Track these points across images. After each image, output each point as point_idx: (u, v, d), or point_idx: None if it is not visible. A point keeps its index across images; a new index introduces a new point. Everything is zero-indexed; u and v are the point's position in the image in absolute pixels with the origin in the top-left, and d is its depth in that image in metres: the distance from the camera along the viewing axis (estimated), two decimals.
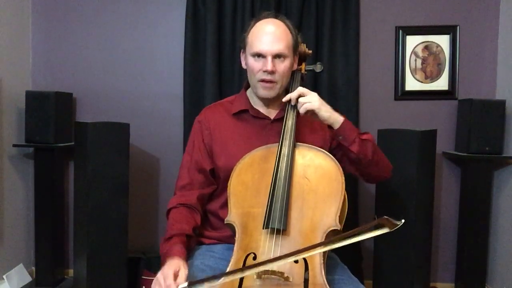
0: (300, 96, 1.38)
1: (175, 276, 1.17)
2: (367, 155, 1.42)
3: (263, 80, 1.43)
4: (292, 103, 1.40)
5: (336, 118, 1.39)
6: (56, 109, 2.53)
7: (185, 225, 1.39)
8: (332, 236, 1.23)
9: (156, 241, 2.80)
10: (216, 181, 1.52)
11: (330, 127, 1.42)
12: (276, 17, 1.47)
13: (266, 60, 1.40)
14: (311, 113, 1.38)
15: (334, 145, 1.52)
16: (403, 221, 0.92)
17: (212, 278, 1.12)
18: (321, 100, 1.38)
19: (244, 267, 1.15)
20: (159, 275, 1.19)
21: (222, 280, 1.12)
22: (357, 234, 0.98)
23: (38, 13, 2.78)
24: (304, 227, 1.23)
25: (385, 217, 0.93)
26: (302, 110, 1.37)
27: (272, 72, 1.40)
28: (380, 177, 1.57)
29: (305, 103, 1.36)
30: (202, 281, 1.13)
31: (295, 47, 1.48)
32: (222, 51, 2.63)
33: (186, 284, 1.13)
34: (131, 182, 2.43)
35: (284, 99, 1.42)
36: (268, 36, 1.41)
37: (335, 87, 2.60)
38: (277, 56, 1.41)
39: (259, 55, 1.42)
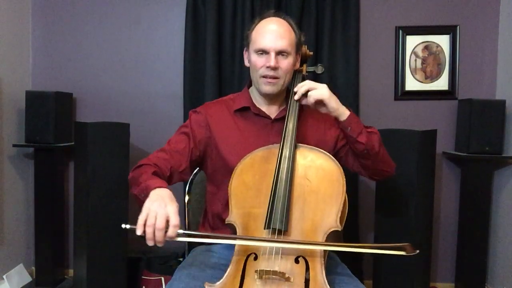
0: (309, 90, 1.39)
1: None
2: (374, 146, 1.44)
3: (265, 76, 1.43)
4: (296, 97, 1.41)
5: (343, 110, 1.41)
6: (56, 109, 2.53)
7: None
8: (333, 236, 1.24)
9: None
10: (217, 181, 1.51)
11: (336, 119, 1.43)
12: (279, 16, 1.48)
13: (269, 56, 1.41)
14: (320, 104, 1.39)
15: (340, 145, 1.52)
16: (417, 251, 1.12)
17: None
18: (330, 91, 1.40)
19: (252, 238, 1.24)
20: (149, 210, 1.09)
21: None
22: (375, 248, 1.08)
23: (38, 13, 2.78)
24: (305, 228, 1.23)
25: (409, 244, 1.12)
26: (311, 99, 1.39)
27: (275, 68, 1.42)
28: (384, 173, 1.55)
29: (315, 92, 1.38)
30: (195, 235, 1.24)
31: (298, 46, 1.49)
32: (222, 51, 2.64)
33: (182, 231, 1.09)
34: None
35: (296, 89, 1.42)
36: (272, 33, 1.42)
37: (335, 87, 2.60)
38: (280, 52, 1.42)
39: (262, 51, 1.43)
